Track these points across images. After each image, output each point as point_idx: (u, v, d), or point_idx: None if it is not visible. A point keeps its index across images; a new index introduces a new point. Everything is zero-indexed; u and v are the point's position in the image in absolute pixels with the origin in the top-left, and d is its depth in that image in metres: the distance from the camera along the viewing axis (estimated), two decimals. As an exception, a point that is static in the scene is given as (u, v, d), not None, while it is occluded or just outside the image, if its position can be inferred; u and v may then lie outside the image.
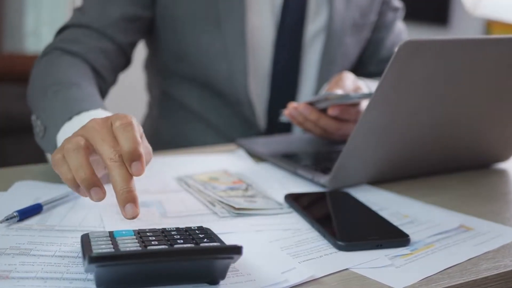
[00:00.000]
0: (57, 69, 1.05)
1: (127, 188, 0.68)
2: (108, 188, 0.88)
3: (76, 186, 0.71)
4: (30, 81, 1.07)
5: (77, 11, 1.17)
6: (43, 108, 0.96)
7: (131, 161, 0.69)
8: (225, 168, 0.99)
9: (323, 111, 1.05)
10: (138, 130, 0.71)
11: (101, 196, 0.70)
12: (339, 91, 1.04)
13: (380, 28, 1.37)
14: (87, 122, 0.73)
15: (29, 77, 1.08)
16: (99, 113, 0.88)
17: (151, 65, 1.37)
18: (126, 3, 1.17)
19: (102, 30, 1.14)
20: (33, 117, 0.97)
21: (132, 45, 1.20)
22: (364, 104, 1.06)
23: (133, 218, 0.68)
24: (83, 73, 1.06)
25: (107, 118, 0.72)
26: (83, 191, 0.70)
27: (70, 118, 0.88)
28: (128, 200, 0.68)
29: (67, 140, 0.72)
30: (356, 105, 1.05)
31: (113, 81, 1.17)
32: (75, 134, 0.73)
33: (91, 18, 1.15)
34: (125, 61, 1.19)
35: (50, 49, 1.12)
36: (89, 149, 0.71)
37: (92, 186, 0.69)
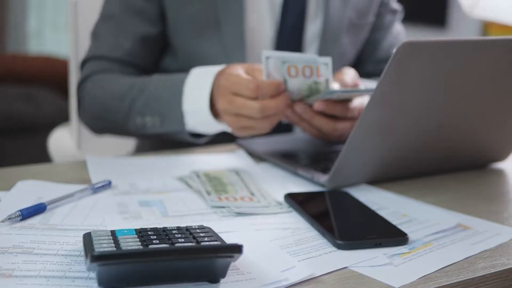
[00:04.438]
0: (116, 82, 1.16)
1: (285, 109, 0.99)
2: (110, 192, 0.89)
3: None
4: (89, 102, 1.19)
5: (94, 40, 1.24)
6: (143, 107, 1.09)
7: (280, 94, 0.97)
8: (227, 167, 1.00)
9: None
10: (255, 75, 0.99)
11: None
12: (335, 85, 1.04)
13: (378, 29, 1.37)
14: (219, 103, 1.00)
15: (84, 101, 1.19)
16: (201, 78, 1.05)
17: None
18: (135, 25, 1.21)
19: (120, 59, 1.21)
20: (138, 119, 1.10)
21: (153, 64, 1.26)
22: (356, 101, 1.06)
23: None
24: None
25: (226, 92, 0.98)
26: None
27: (181, 92, 1.06)
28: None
29: (232, 123, 0.99)
30: (345, 102, 1.05)
31: None
32: (231, 114, 0.99)
33: (107, 49, 1.21)
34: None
35: (85, 78, 1.21)
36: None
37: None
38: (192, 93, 1.05)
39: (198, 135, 1.11)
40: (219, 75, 1.02)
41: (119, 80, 1.16)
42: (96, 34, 1.25)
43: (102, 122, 1.19)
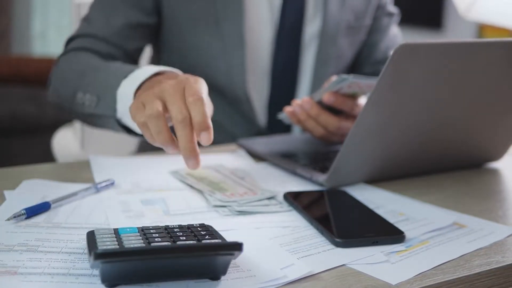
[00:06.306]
0: (84, 59, 1.14)
1: (190, 145, 0.79)
2: (113, 191, 0.90)
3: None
4: (54, 76, 1.16)
5: (84, 21, 1.23)
6: (87, 84, 1.05)
7: (200, 131, 0.78)
8: (227, 167, 1.00)
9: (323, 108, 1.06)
10: (207, 102, 0.82)
11: (174, 151, 0.81)
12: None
13: (375, 31, 1.39)
14: (164, 83, 0.83)
15: (52, 76, 1.17)
16: (150, 69, 0.96)
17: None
18: (129, 12, 1.21)
19: (107, 39, 1.19)
20: (79, 95, 1.06)
21: (139, 50, 1.25)
22: (362, 100, 1.08)
23: (195, 169, 0.80)
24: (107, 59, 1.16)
25: (180, 82, 0.82)
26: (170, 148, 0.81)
27: (125, 77, 0.98)
28: (191, 154, 0.79)
29: (147, 100, 0.81)
30: (353, 98, 1.06)
31: None
32: (152, 95, 0.82)
33: (97, 28, 1.20)
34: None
35: (63, 53, 1.19)
36: (165, 112, 0.81)
37: (170, 145, 0.80)
38: (130, 80, 0.97)
39: (132, 132, 1.02)
40: (167, 74, 0.94)
41: (87, 58, 1.13)
42: (87, 17, 1.23)
43: (58, 96, 1.15)
